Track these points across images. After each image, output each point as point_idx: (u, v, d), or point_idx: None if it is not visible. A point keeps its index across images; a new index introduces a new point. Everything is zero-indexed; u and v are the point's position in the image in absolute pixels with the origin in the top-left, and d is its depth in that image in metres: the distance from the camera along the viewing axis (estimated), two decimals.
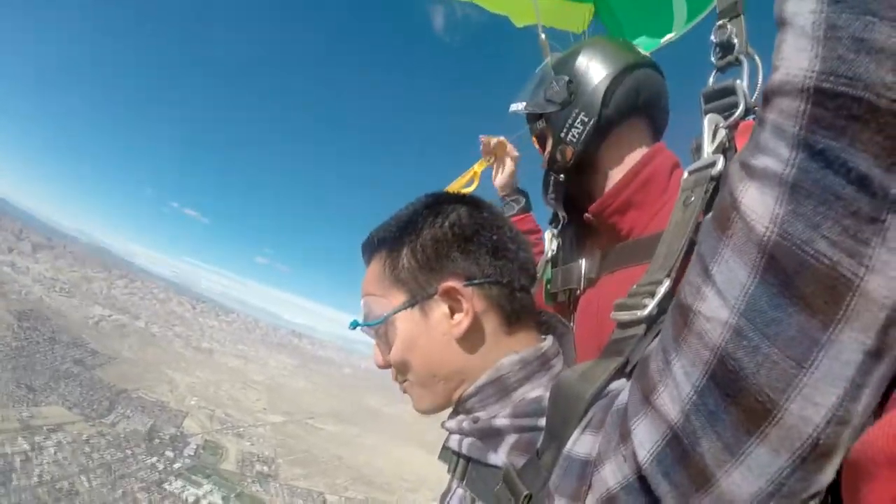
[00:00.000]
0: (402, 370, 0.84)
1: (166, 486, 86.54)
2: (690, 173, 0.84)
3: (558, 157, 1.27)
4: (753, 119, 0.88)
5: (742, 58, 0.90)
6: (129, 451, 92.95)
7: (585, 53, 1.28)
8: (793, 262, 0.35)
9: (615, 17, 1.99)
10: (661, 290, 0.68)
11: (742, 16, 0.91)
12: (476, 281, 0.79)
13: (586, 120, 1.23)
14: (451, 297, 0.79)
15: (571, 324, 1.28)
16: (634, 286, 0.74)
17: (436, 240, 0.81)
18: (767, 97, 0.38)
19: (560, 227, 1.48)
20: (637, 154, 1.26)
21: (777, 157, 0.36)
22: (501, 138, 1.80)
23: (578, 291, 1.31)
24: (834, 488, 0.38)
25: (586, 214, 1.31)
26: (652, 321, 0.66)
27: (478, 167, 1.76)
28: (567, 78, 1.26)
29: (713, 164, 0.79)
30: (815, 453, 0.36)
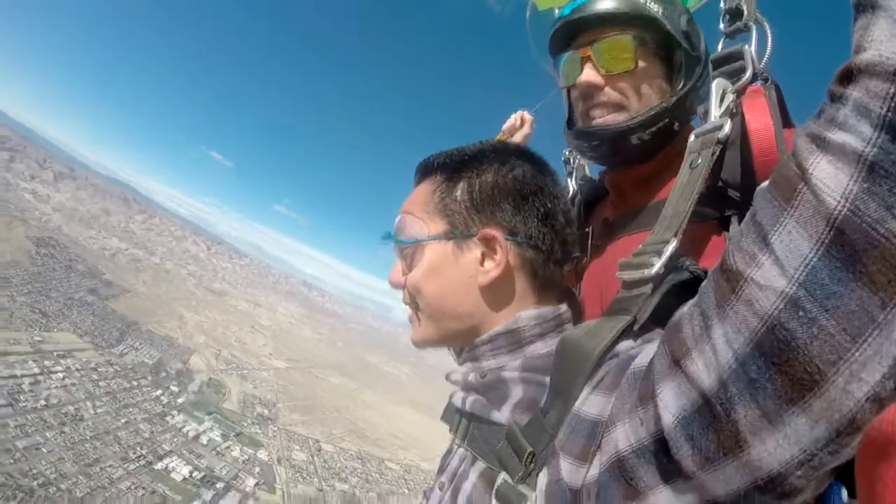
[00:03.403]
0: (413, 295, 0.85)
1: (168, 419, 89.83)
2: (697, 136, 0.84)
3: (687, 103, 1.07)
4: (761, 84, 0.88)
5: (751, 24, 0.89)
6: (135, 382, 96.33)
7: (698, 28, 1.11)
8: (861, 239, 0.34)
9: None
10: (669, 249, 0.67)
11: None
12: (518, 238, 0.80)
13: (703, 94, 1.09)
14: (488, 245, 0.79)
15: (578, 293, 1.26)
16: (640, 246, 0.73)
17: (494, 185, 0.81)
18: (851, 75, 0.37)
19: (570, 198, 1.42)
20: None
21: (858, 134, 0.35)
22: (521, 112, 1.71)
23: (585, 260, 1.29)
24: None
25: (606, 175, 1.26)
26: (659, 280, 0.65)
27: None
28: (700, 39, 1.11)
29: (720, 128, 0.79)
30: (851, 427, 0.36)
